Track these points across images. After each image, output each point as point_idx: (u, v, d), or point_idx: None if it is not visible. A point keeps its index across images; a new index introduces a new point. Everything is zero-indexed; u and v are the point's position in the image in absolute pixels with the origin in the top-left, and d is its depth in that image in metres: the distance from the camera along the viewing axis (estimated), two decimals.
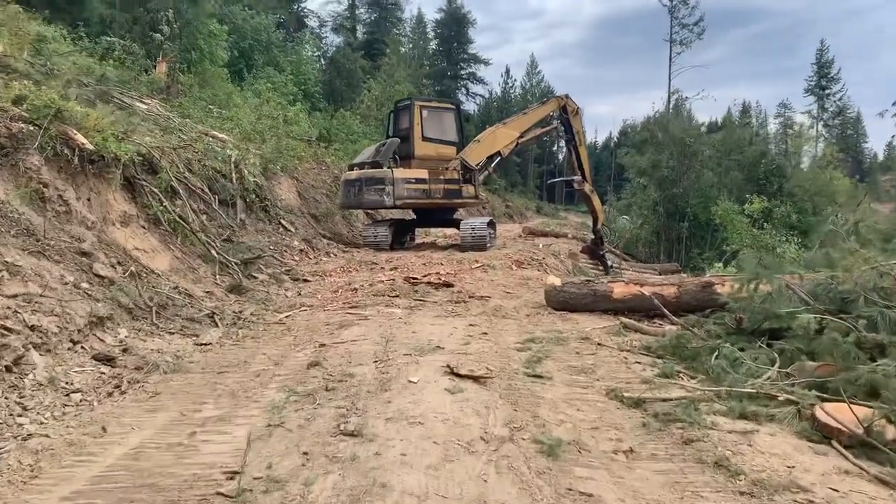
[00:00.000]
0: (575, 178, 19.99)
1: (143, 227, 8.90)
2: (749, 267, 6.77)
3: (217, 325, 7.01)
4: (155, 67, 20.35)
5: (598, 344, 6.33)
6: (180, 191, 9.91)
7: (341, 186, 17.11)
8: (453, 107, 18.45)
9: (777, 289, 6.02)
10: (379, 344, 6.19)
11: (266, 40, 38.62)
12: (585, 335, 6.70)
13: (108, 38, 20.90)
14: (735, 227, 23.14)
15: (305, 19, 64.34)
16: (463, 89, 74.55)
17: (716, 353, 5.46)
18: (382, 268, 12.53)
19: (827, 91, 67.19)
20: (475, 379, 4.92)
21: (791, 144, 46.34)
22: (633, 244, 30.83)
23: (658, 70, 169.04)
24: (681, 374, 5.35)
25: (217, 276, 9.10)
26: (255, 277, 10.00)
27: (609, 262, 21.22)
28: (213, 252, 9.36)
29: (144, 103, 15.23)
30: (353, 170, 16.85)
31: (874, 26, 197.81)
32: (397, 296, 8.99)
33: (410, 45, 68.75)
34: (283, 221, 14.71)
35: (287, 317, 7.80)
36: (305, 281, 10.81)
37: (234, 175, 12.80)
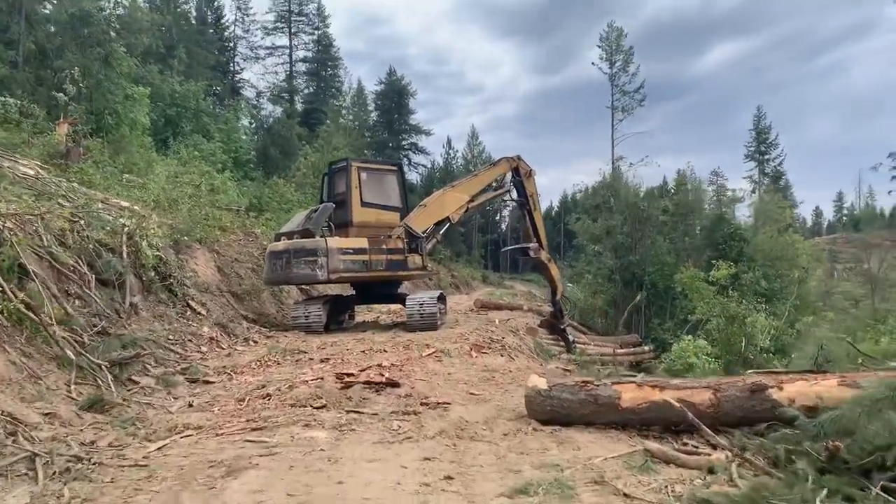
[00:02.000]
0: (530, 244, 18.20)
1: None
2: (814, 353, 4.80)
3: (37, 477, 4.52)
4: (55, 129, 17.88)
5: (625, 495, 4.10)
6: (32, 270, 7.41)
7: (266, 259, 14.72)
8: (395, 168, 16.46)
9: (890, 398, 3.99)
10: None
11: (195, 107, 36.61)
12: (598, 474, 4.48)
13: (2, 99, 18.48)
14: (701, 295, 21.60)
15: (241, 89, 62.92)
16: (405, 159, 73.60)
17: None
18: (311, 358, 10.14)
19: (766, 156, 68.94)
20: None
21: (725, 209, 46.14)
22: (589, 315, 29.06)
23: (593, 141, 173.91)
24: None
25: (73, 387, 6.57)
26: (135, 383, 7.48)
27: (571, 338, 19.30)
28: (69, 352, 6.83)
29: (27, 167, 12.75)
30: (279, 240, 14.53)
31: (796, 98, 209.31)
32: (324, 406, 6.60)
33: (351, 117, 67.70)
34: (191, 303, 12.20)
35: (160, 449, 5.34)
36: (207, 382, 8.32)
37: (124, 248, 10.34)
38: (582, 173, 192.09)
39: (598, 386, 5.66)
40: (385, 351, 10.42)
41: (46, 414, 5.73)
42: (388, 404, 6.76)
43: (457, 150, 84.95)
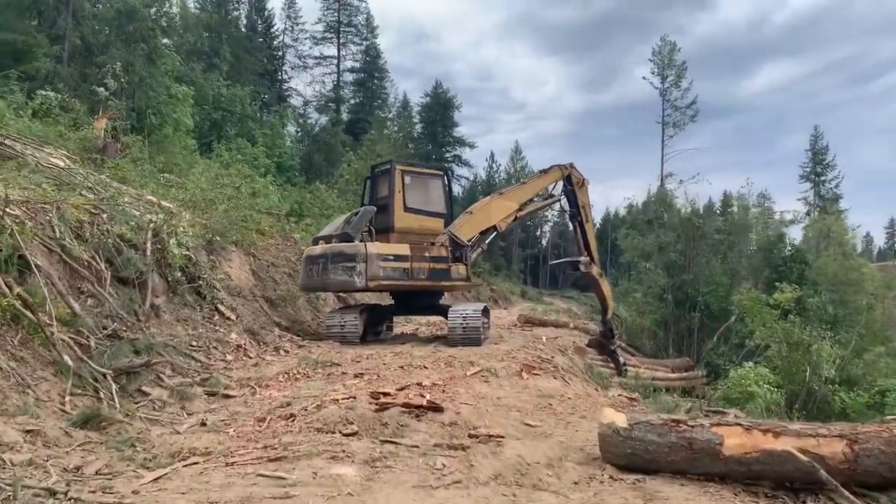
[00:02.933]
0: (581, 258, 17.00)
1: None
2: None
3: None
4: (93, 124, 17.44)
5: None
6: (35, 263, 6.60)
7: (302, 264, 13.89)
8: (441, 173, 15.50)
9: None
10: None
11: (240, 112, 36.43)
12: None
13: (44, 93, 18.16)
14: (762, 318, 20.10)
15: (288, 97, 63.05)
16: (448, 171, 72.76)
17: None
18: (345, 372, 9.20)
19: (822, 177, 66.15)
20: None
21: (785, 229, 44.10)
22: (636, 335, 27.61)
23: (637, 160, 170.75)
24: None
25: (68, 398, 5.71)
26: (145, 395, 6.61)
27: (621, 360, 18.01)
28: (67, 358, 5.98)
29: (56, 158, 12.15)
30: (317, 243, 13.69)
31: (847, 123, 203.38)
32: (355, 433, 5.61)
33: (395, 128, 67.30)
34: (220, 307, 11.39)
35: (156, 481, 4.42)
36: (227, 396, 7.43)
37: (148, 245, 9.55)
38: (626, 189, 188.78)
39: (692, 427, 4.54)
40: (425, 367, 9.42)
41: (29, 431, 4.85)
42: (430, 433, 5.74)
43: (499, 164, 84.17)
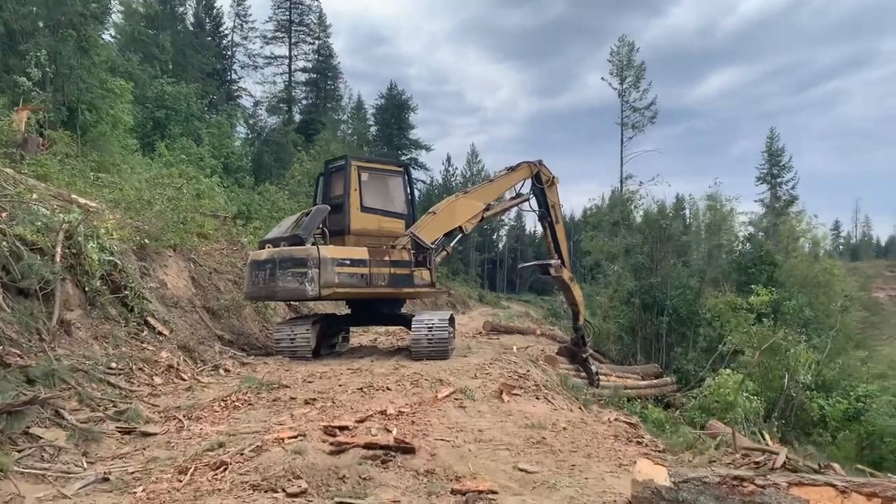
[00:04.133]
0: (552, 262, 15.97)
1: None
2: None
3: None
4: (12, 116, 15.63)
5: None
6: None
7: (247, 270, 12.44)
8: (401, 170, 14.19)
9: None
10: None
11: (185, 111, 34.54)
12: None
13: None
14: (738, 323, 19.36)
15: (238, 98, 60.75)
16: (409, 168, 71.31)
17: None
18: (293, 397, 7.87)
19: (779, 179, 66.77)
20: None
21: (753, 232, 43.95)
22: (601, 340, 26.76)
23: (592, 164, 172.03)
24: None
25: None
26: (34, 438, 5.17)
27: (594, 369, 17.02)
28: None
29: None
30: (264, 247, 12.26)
31: (792, 128, 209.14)
32: (303, 491, 4.28)
33: (350, 130, 65.55)
34: (151, 320, 9.90)
35: None
36: (146, 434, 6.02)
37: (58, 249, 8.05)
38: (581, 195, 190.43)
39: (763, 488, 3.37)
40: (389, 389, 8.15)
41: None
42: (401, 488, 4.46)
43: (456, 168, 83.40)
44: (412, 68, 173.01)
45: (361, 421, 6.32)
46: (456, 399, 7.46)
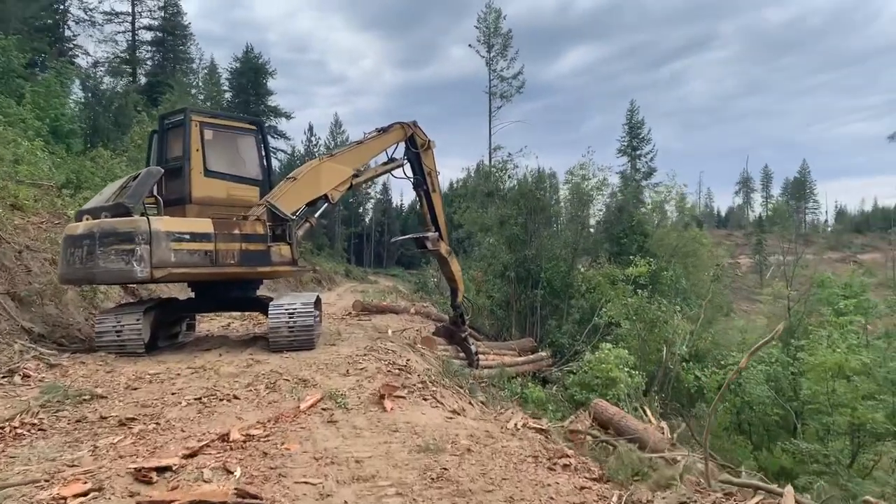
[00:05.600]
0: (428, 234, 14.57)
1: None
2: None
3: None
4: None
5: None
6: None
7: (62, 247, 10.03)
8: (254, 127, 12.13)
9: None
10: None
11: (4, 65, 29.96)
12: None
13: None
14: (616, 294, 18.95)
15: (74, 58, 54.24)
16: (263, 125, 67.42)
17: None
18: (105, 416, 5.92)
19: (638, 152, 69.38)
20: None
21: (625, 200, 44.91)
22: (475, 316, 25.89)
23: (459, 137, 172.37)
24: None
25: None
26: None
27: (473, 349, 15.88)
28: None
29: None
30: (81, 219, 9.91)
31: (641, 105, 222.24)
32: None
33: (202, 96, 60.64)
34: None
35: None
36: None
37: None
38: (449, 168, 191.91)
39: None
40: (236, 398, 6.37)
41: None
42: None
43: (319, 138, 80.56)
44: (270, 33, 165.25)
45: (193, 455, 4.56)
46: (325, 409, 5.85)
